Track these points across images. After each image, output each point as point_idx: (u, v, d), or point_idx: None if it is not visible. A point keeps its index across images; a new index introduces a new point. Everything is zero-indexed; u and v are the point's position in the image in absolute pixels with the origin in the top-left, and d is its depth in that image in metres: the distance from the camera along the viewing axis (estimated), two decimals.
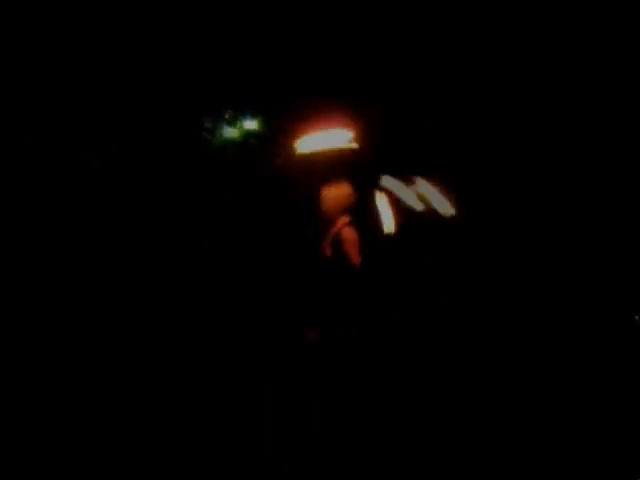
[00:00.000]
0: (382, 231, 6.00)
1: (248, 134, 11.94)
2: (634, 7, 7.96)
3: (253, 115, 11.74)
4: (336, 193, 5.16)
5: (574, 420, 4.91)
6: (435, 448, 4.58)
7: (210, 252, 8.25)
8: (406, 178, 7.27)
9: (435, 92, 8.98)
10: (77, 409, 5.10)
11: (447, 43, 8.74)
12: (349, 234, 4.96)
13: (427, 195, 7.08)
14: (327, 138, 5.17)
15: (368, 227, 5.41)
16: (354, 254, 4.92)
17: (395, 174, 7.89)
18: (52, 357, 6.15)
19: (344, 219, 5.04)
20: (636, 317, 6.39)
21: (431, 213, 7.09)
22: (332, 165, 5.78)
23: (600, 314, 6.63)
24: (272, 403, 5.01)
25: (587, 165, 8.06)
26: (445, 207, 7.03)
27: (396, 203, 6.98)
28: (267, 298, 5.24)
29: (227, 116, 10.77)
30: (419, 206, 7.08)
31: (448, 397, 5.28)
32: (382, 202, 6.09)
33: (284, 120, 9.09)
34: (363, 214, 5.36)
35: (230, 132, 11.69)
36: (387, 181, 7.01)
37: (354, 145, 5.29)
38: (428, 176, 7.53)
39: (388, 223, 6.18)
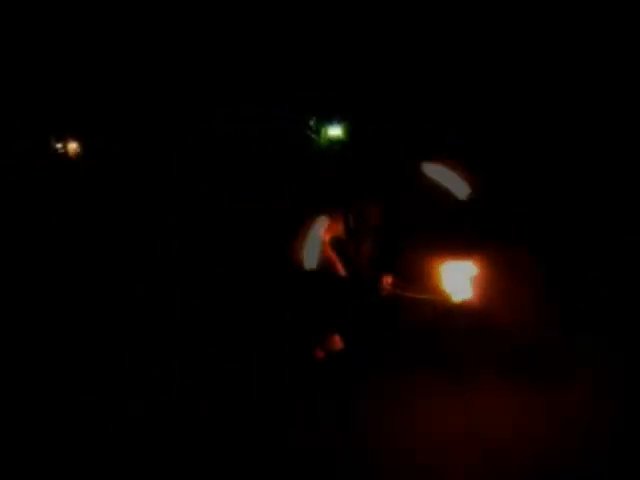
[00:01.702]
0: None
1: (332, 141, 12.14)
2: (634, 7, 7.97)
3: (339, 122, 11.94)
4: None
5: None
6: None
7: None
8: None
9: (437, 92, 9.00)
10: (77, 408, 5.10)
11: (452, 46, 8.78)
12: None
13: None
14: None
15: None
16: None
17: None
18: (53, 357, 6.15)
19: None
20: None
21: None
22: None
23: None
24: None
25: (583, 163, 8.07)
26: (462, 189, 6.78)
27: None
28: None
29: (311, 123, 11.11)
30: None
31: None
32: None
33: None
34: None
35: (334, 132, 11.88)
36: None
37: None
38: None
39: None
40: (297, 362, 4.98)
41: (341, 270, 5.04)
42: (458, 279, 5.01)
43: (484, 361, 5.72)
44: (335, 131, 11.14)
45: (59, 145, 20.99)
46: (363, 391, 5.11)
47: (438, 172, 5.84)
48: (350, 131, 10.64)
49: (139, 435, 4.74)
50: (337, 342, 4.86)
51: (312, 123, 11.04)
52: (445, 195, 6.41)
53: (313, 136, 11.09)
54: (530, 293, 6.37)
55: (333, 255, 5.03)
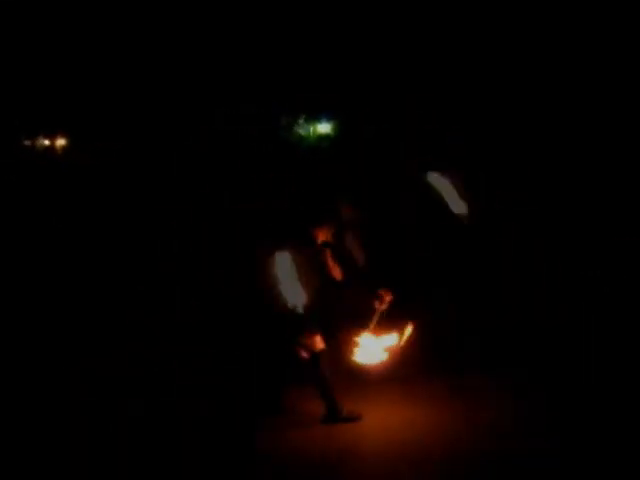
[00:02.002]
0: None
1: (321, 137, 12.17)
2: (634, 7, 7.98)
3: (328, 119, 11.98)
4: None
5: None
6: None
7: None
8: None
9: (437, 93, 9.01)
10: (77, 408, 5.09)
11: (452, 46, 8.78)
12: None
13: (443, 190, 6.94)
14: None
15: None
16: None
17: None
18: (53, 357, 6.15)
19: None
20: None
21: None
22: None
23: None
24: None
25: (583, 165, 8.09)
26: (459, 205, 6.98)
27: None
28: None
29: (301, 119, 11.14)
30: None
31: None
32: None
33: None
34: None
35: (305, 131, 11.91)
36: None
37: None
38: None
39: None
40: (292, 361, 5.00)
41: (338, 274, 5.03)
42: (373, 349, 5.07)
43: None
44: (324, 128, 11.17)
45: (46, 141, 20.91)
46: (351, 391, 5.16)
47: (441, 184, 5.96)
48: (342, 130, 10.65)
49: (139, 435, 4.74)
50: (319, 342, 4.89)
51: (301, 121, 11.06)
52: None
53: (302, 134, 11.13)
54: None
55: (329, 260, 5.01)
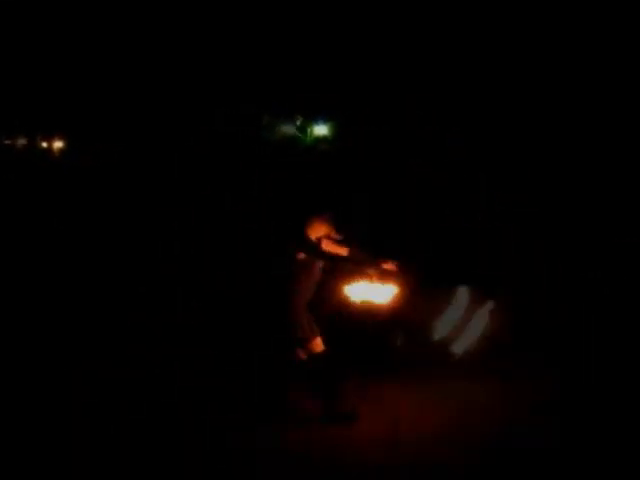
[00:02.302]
0: None
1: (318, 139, 12.22)
2: (634, 7, 7.99)
3: (324, 121, 12.03)
4: None
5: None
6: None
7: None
8: None
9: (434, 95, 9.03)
10: (79, 410, 5.11)
11: (454, 47, 8.80)
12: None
13: None
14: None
15: None
16: None
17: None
18: (55, 359, 6.16)
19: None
20: None
21: None
22: None
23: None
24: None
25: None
26: None
27: None
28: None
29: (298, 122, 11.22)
30: None
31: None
32: None
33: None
34: None
35: (286, 129, 11.99)
36: None
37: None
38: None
39: None
40: (292, 362, 5.03)
41: (344, 251, 5.05)
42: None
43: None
44: (321, 130, 11.25)
45: (44, 143, 21.05)
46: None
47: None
48: (338, 131, 10.74)
49: (141, 437, 4.76)
50: (319, 344, 4.92)
51: (299, 122, 11.18)
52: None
53: (300, 135, 11.25)
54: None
55: (331, 246, 5.03)
